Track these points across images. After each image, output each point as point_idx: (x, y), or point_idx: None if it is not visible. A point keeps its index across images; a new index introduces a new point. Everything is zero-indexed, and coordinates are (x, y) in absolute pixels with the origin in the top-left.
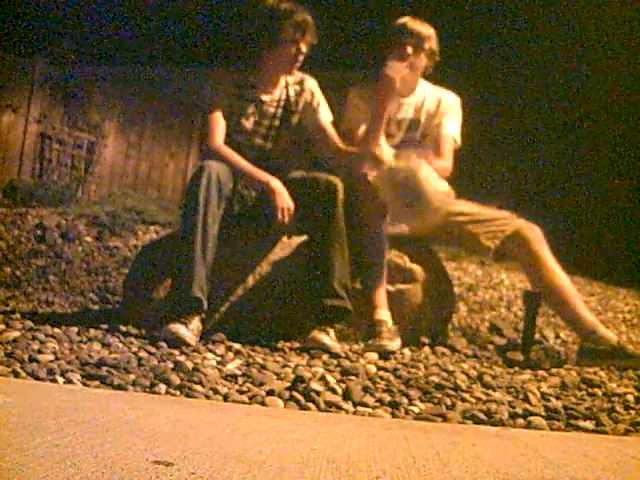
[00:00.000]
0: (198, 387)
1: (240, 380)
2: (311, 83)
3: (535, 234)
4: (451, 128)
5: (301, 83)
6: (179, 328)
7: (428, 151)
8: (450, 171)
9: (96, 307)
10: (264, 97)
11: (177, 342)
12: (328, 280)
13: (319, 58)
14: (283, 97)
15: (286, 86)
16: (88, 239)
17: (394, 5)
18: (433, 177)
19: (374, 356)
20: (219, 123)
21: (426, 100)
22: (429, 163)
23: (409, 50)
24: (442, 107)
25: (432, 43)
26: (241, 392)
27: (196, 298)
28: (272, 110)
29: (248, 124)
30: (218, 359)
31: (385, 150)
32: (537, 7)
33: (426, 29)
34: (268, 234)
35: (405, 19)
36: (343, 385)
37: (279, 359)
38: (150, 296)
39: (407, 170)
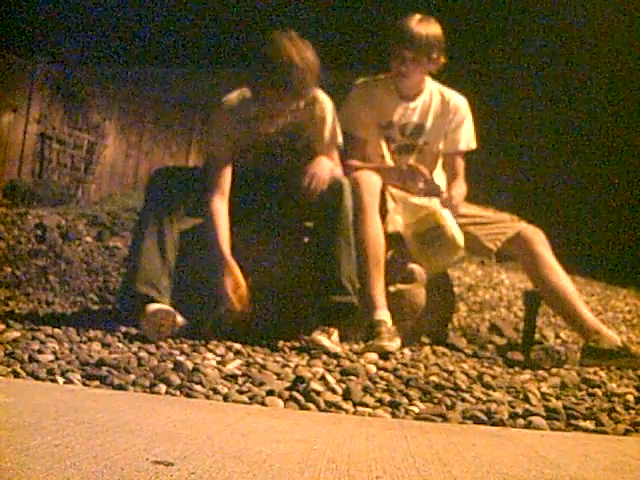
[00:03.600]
0: (198, 387)
1: (240, 380)
2: (325, 104)
3: (537, 236)
4: (465, 141)
5: (314, 103)
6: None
7: (450, 195)
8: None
9: (96, 307)
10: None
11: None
12: (335, 276)
13: (321, 58)
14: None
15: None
16: (88, 239)
17: (396, 5)
18: (455, 228)
19: (374, 356)
20: (223, 174)
21: (433, 102)
22: (453, 207)
23: (420, 65)
24: (451, 113)
25: (439, 47)
26: (241, 392)
27: (141, 294)
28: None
29: (259, 138)
30: (218, 359)
31: (386, 157)
32: (540, 7)
33: (433, 33)
34: (268, 233)
35: (412, 23)
36: (343, 385)
37: (279, 359)
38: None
39: (431, 221)
